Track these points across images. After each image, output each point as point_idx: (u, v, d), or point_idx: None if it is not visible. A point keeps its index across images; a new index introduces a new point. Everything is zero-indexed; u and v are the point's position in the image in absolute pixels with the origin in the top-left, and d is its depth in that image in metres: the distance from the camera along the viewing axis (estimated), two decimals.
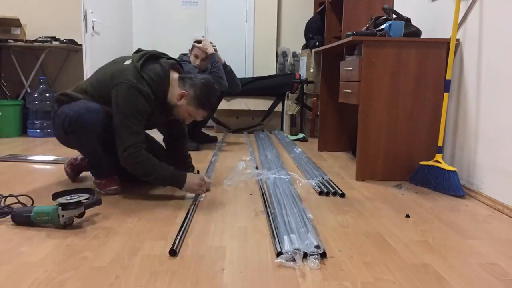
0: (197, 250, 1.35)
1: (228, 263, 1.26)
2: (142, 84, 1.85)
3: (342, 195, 2.03)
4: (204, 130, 3.76)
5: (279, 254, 1.29)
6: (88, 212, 1.63)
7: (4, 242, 1.38)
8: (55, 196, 1.57)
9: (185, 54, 3.42)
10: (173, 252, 1.31)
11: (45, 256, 1.28)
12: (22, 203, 1.67)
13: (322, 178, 2.29)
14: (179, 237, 1.40)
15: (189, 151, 3.10)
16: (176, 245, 1.34)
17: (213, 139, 3.72)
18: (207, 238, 1.46)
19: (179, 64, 2.07)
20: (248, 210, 1.78)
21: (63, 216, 1.50)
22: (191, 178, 1.94)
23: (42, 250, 1.33)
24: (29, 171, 2.45)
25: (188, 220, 1.62)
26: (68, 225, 1.52)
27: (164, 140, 2.29)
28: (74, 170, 2.22)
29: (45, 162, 2.70)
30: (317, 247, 1.31)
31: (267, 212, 1.70)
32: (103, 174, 2.00)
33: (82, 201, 1.54)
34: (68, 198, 1.55)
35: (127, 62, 1.92)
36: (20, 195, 1.74)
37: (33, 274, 1.16)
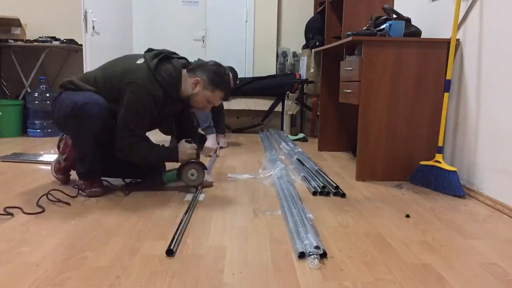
0: (197, 250, 1.35)
1: (228, 263, 1.26)
2: (154, 85, 1.88)
3: (343, 195, 2.03)
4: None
5: (301, 255, 1.30)
6: (88, 211, 1.63)
7: (4, 242, 1.38)
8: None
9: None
10: (169, 252, 1.30)
11: (45, 256, 1.28)
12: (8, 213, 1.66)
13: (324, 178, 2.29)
14: (175, 237, 1.40)
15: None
16: (173, 245, 1.33)
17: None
18: (207, 238, 1.46)
19: (189, 63, 2.10)
20: (248, 210, 1.78)
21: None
22: (182, 147, 2.02)
23: (42, 250, 1.33)
24: (30, 171, 2.45)
25: (186, 220, 1.62)
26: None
27: (176, 138, 2.33)
28: (64, 173, 2.16)
29: (44, 162, 2.70)
30: (317, 247, 1.31)
31: (284, 213, 1.71)
32: (88, 174, 1.96)
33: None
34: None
35: (140, 61, 1.94)
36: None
37: (33, 274, 1.16)
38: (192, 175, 2.04)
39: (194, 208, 1.79)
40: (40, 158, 2.78)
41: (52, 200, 1.84)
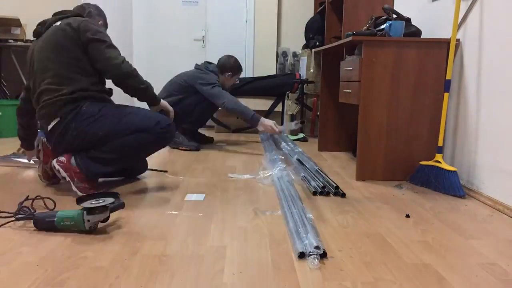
0: (197, 250, 1.35)
1: (228, 263, 1.26)
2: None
3: (343, 195, 2.03)
4: (204, 130, 3.76)
5: (301, 255, 1.30)
6: None
7: (4, 242, 1.38)
8: (80, 200, 1.52)
9: (210, 63, 3.46)
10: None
11: (45, 256, 1.28)
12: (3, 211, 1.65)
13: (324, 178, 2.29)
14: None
15: (190, 150, 3.10)
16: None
17: (210, 140, 3.73)
18: (207, 238, 1.46)
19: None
20: (248, 210, 1.78)
21: (88, 220, 1.45)
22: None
23: (42, 250, 1.33)
24: (30, 171, 2.45)
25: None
26: (93, 230, 1.48)
27: None
28: (54, 177, 2.10)
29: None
30: (317, 247, 1.31)
31: (284, 213, 1.71)
32: (96, 177, 2.01)
33: (107, 205, 1.50)
34: (94, 202, 1.50)
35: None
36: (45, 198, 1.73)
37: (33, 274, 1.16)
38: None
39: (192, 208, 1.79)
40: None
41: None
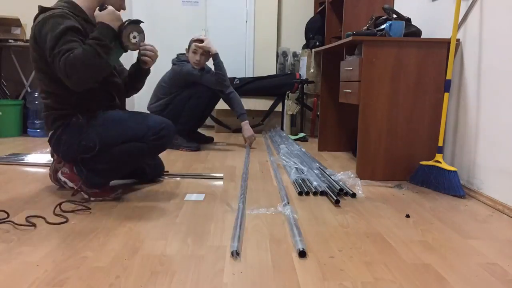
0: (197, 250, 1.35)
1: (228, 263, 1.26)
2: (63, 13, 1.75)
3: (353, 195, 2.03)
4: (204, 130, 3.76)
5: (302, 253, 1.31)
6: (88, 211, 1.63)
7: (4, 242, 1.38)
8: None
9: (182, 54, 3.40)
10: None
11: (45, 256, 1.28)
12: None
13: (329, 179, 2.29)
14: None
15: (190, 151, 3.08)
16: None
17: (209, 139, 3.73)
18: (207, 238, 1.46)
19: None
20: (248, 210, 1.78)
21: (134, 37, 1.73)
22: (99, 14, 1.77)
23: (42, 250, 1.33)
24: (30, 171, 2.45)
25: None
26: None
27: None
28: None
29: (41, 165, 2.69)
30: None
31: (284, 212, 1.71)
32: (104, 185, 1.93)
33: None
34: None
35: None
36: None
37: (33, 274, 1.16)
38: (134, 37, 1.83)
39: (193, 208, 1.79)
40: (37, 160, 2.77)
41: (68, 211, 1.71)
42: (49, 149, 3.19)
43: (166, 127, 1.89)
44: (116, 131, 1.85)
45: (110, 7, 1.79)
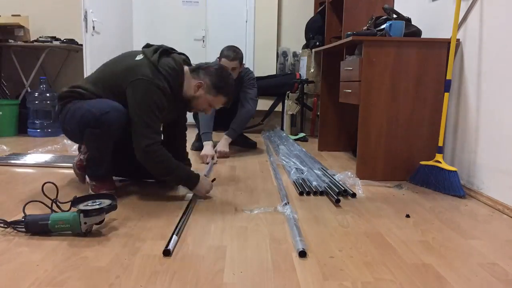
0: (197, 250, 1.35)
1: (228, 263, 1.26)
2: (160, 79, 1.83)
3: (353, 195, 2.03)
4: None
5: (302, 253, 1.31)
6: None
7: (4, 242, 1.38)
8: (74, 202, 1.47)
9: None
10: (166, 252, 1.30)
11: (45, 256, 1.28)
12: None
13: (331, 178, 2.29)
14: (173, 237, 1.40)
15: (196, 150, 3.05)
16: (170, 245, 1.33)
17: (252, 145, 3.49)
18: (207, 238, 1.46)
19: (188, 59, 2.07)
20: (248, 210, 1.78)
21: (85, 223, 1.41)
22: (203, 182, 1.93)
23: (42, 250, 1.33)
24: (30, 171, 2.45)
25: (184, 220, 1.62)
26: (88, 233, 1.44)
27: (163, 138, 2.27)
28: (84, 171, 2.09)
29: (42, 165, 2.69)
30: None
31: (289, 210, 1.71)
32: (102, 176, 1.96)
33: (104, 207, 1.45)
34: (90, 204, 1.46)
35: (140, 57, 1.89)
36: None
37: (33, 274, 1.16)
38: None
39: (193, 208, 1.79)
40: (36, 160, 2.78)
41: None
42: (48, 148, 3.21)
43: (109, 112, 1.79)
44: (76, 116, 1.86)
45: (210, 188, 1.97)
